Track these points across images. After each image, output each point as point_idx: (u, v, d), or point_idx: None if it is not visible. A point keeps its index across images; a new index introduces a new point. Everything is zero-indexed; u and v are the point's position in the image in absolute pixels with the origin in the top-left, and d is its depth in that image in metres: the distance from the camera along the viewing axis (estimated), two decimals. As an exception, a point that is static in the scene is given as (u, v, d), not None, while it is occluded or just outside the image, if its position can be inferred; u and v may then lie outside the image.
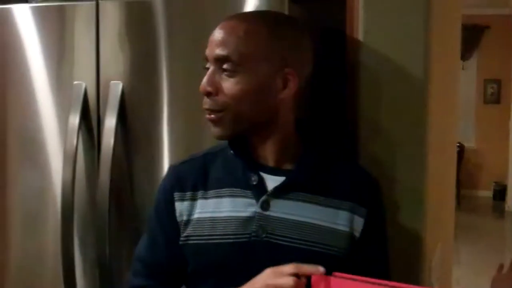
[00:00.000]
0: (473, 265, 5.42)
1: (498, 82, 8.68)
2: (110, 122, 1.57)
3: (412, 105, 1.44)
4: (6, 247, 1.74)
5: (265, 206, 1.18)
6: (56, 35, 1.66)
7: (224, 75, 1.15)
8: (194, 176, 1.25)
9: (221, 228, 1.19)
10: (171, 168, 1.32)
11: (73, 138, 1.60)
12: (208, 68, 1.18)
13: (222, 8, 1.48)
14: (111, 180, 1.56)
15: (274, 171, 1.21)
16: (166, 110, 1.56)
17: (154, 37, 1.56)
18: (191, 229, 1.21)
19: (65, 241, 1.61)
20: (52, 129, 1.68)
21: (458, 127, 2.50)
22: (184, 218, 1.22)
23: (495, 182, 8.53)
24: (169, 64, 1.55)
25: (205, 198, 1.22)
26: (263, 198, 1.18)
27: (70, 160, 1.59)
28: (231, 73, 1.14)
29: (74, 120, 1.60)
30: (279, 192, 1.19)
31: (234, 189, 1.20)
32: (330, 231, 1.19)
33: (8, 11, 1.69)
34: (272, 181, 1.20)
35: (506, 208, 8.03)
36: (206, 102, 1.17)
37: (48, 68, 1.67)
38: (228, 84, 1.15)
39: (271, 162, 1.22)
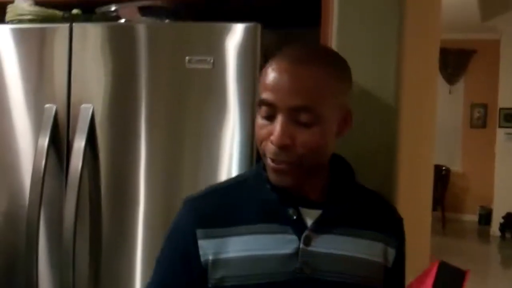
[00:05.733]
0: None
1: (484, 106, 8.74)
2: (78, 145, 1.55)
3: (384, 124, 1.48)
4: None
5: (307, 241, 1.12)
6: (34, 57, 1.64)
7: (299, 126, 1.06)
8: (220, 211, 1.16)
9: (261, 267, 1.11)
10: (189, 203, 1.20)
11: (41, 161, 1.57)
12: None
13: (206, 37, 1.48)
14: (77, 204, 1.54)
15: (308, 204, 1.15)
16: (144, 134, 1.54)
17: (132, 60, 1.55)
18: (226, 269, 1.11)
19: (28, 265, 1.57)
20: (22, 151, 1.65)
21: (434, 150, 2.50)
22: (211, 257, 1.12)
23: (481, 206, 8.54)
24: (148, 87, 1.54)
25: (237, 235, 1.13)
26: (306, 233, 1.12)
27: (38, 183, 1.57)
28: (309, 124, 1.06)
29: (43, 142, 1.58)
30: (318, 226, 1.13)
31: (270, 224, 1.13)
32: (370, 263, 1.16)
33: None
34: (308, 215, 1.14)
35: (491, 233, 8.03)
36: (277, 153, 1.07)
37: (24, 90, 1.65)
38: (306, 136, 1.06)
39: (304, 195, 1.15)
